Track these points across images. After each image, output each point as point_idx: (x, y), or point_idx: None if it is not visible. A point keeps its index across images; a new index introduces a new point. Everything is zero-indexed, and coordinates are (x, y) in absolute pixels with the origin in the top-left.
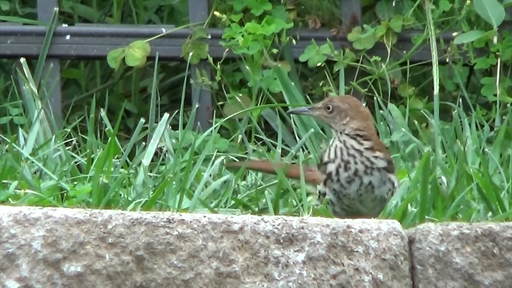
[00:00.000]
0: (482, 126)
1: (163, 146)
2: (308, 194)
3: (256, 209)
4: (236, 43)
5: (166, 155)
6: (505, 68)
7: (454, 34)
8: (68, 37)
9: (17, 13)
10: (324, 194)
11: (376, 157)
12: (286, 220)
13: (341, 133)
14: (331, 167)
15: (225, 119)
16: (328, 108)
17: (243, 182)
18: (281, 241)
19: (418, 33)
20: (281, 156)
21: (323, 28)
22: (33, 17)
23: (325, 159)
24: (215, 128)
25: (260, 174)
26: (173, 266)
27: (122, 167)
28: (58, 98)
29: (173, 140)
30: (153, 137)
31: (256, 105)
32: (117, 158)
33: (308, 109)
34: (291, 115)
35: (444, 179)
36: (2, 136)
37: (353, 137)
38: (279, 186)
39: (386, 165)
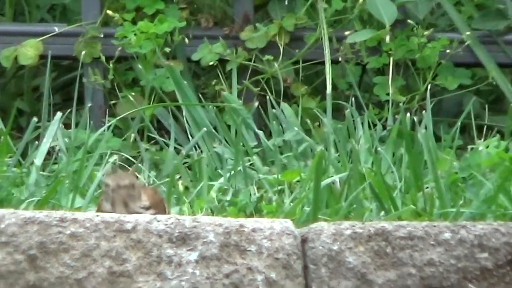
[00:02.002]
0: (375, 125)
1: (56, 145)
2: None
3: None
4: (129, 42)
5: (59, 154)
6: (398, 67)
7: (347, 33)
8: None
9: None
10: None
11: None
12: (179, 219)
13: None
14: None
15: (118, 118)
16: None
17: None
18: (174, 240)
19: (310, 32)
20: (174, 155)
21: (216, 27)
22: None
23: None
24: (108, 127)
25: (153, 172)
26: (66, 265)
27: (14, 166)
28: None
29: (66, 139)
30: (46, 136)
31: (149, 104)
32: (10, 157)
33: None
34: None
35: (337, 178)
36: None
37: None
38: (170, 185)
39: None
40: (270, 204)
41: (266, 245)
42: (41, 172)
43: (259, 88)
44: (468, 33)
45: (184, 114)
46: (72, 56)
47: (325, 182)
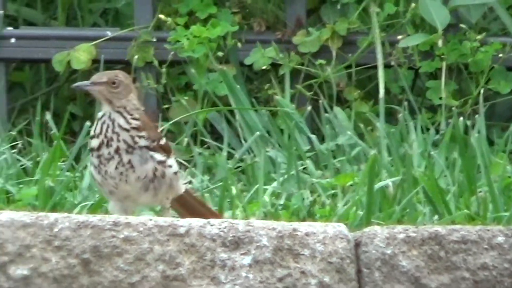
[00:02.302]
0: (428, 129)
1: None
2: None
3: None
4: (182, 46)
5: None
6: (450, 71)
7: (399, 37)
8: (13, 40)
9: None
10: None
11: (140, 136)
12: (232, 223)
13: (117, 111)
14: (95, 142)
15: (171, 122)
16: (114, 83)
17: (189, 186)
18: (228, 244)
19: (363, 36)
20: (227, 159)
21: (268, 31)
22: None
23: (91, 133)
24: (160, 131)
25: (206, 176)
26: (119, 269)
27: (68, 170)
28: (4, 101)
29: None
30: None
31: (202, 108)
32: (63, 161)
33: (91, 83)
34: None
35: (390, 182)
36: None
37: (124, 116)
38: (224, 188)
39: (148, 144)
40: (324, 208)
41: (319, 249)
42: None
43: (312, 92)
44: None
45: (237, 118)
46: (125, 60)
47: (378, 186)
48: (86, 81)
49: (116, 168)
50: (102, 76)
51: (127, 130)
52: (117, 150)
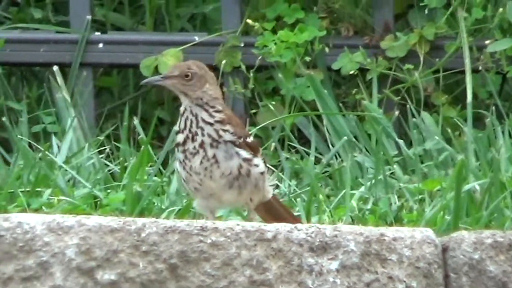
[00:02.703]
0: None
1: None
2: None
3: None
4: (269, 51)
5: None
6: None
7: (487, 42)
8: (101, 45)
9: (50, 21)
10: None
11: (225, 130)
12: (319, 228)
13: (197, 104)
14: (180, 137)
15: (259, 127)
16: (187, 75)
17: (276, 190)
18: (315, 249)
19: (451, 41)
20: (314, 164)
21: (356, 36)
22: (66, 25)
23: (176, 128)
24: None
25: (293, 181)
26: (206, 274)
27: (155, 175)
28: (91, 106)
29: None
30: None
31: (289, 113)
32: (151, 166)
33: (162, 77)
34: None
35: (477, 187)
36: (35, 144)
37: (205, 109)
38: (311, 193)
39: (233, 138)
40: (411, 213)
41: (406, 254)
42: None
43: (399, 97)
44: None
45: (324, 123)
46: (212, 65)
47: (465, 190)
48: (157, 76)
49: (201, 163)
50: (174, 69)
51: (210, 124)
52: (201, 145)
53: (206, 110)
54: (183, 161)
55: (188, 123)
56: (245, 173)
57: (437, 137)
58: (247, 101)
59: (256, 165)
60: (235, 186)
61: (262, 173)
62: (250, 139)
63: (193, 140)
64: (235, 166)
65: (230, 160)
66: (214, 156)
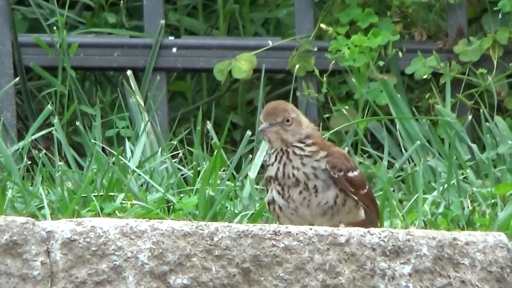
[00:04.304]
0: None
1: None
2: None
3: None
4: (342, 55)
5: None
6: None
7: None
8: (174, 49)
9: (124, 26)
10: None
11: (318, 160)
12: (392, 233)
13: (292, 145)
14: (273, 170)
15: (332, 131)
16: (288, 121)
17: None
18: (387, 253)
19: None
20: (387, 168)
21: (429, 40)
22: (139, 29)
23: (267, 162)
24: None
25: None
26: (279, 278)
27: (228, 180)
28: (165, 111)
29: None
30: (260, 150)
31: (362, 117)
32: (224, 170)
33: (269, 125)
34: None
35: None
36: (109, 148)
37: (299, 147)
38: (384, 198)
39: (329, 169)
40: (483, 217)
41: (479, 258)
42: (255, 186)
43: (472, 102)
44: None
45: (397, 127)
46: (285, 69)
47: None
48: (265, 124)
49: (300, 193)
50: (273, 115)
51: (300, 157)
52: (297, 178)
53: (299, 147)
54: (281, 191)
55: (279, 157)
56: (340, 203)
57: (510, 141)
58: (320, 105)
59: (355, 199)
60: (328, 213)
61: (357, 204)
62: (353, 173)
63: (284, 172)
64: (331, 197)
65: (327, 191)
66: (314, 187)
